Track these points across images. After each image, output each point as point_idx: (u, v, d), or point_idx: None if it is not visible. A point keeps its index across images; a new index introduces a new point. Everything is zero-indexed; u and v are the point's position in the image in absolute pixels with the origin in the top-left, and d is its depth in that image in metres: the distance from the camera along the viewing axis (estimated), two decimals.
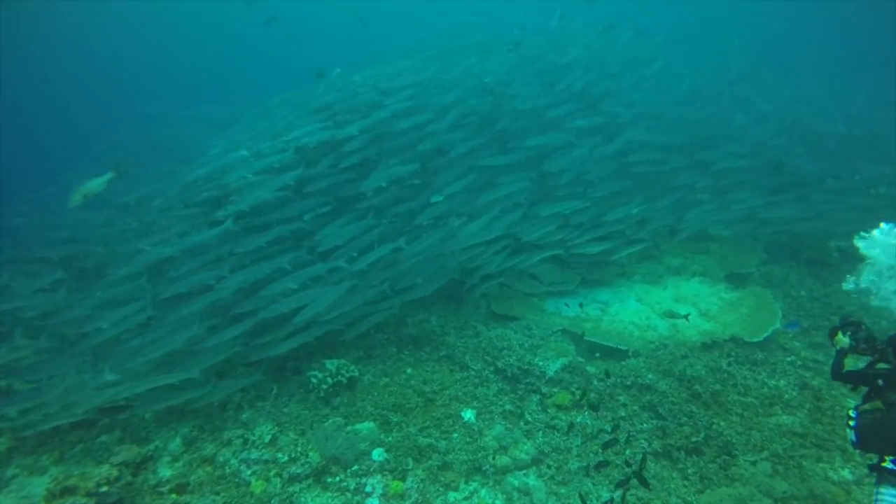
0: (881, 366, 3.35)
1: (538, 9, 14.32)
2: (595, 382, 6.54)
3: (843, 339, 3.61)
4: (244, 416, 6.29)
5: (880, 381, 3.30)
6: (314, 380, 6.57)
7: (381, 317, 7.11)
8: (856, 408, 3.36)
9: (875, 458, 3.22)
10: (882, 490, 3.20)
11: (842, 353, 3.59)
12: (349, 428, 5.94)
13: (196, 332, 6.27)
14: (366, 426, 6.00)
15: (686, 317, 7.21)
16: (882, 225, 3.77)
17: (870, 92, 15.40)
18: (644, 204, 8.68)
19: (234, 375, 6.57)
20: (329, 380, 6.57)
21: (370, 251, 7.12)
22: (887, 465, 3.12)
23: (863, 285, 3.96)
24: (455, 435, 5.99)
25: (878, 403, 3.27)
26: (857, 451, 3.36)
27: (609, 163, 9.09)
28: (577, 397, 6.36)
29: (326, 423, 5.94)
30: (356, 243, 7.20)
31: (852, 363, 3.55)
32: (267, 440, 5.91)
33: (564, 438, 5.94)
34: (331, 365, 6.67)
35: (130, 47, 34.62)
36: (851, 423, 3.32)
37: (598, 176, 8.91)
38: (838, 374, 3.53)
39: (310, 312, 6.48)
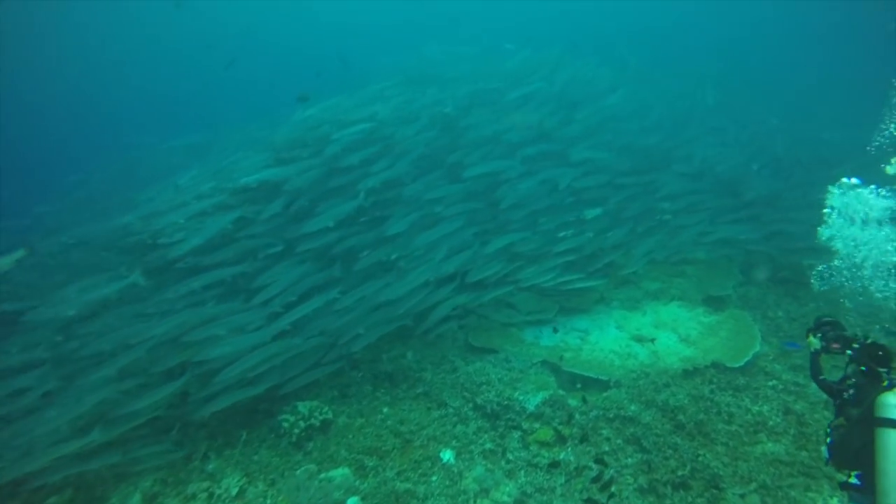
0: (849, 382, 3.31)
1: (527, 39, 14.47)
2: (577, 416, 6.35)
3: (814, 342, 3.65)
4: (210, 466, 5.93)
5: (845, 395, 3.30)
6: (286, 424, 6.27)
7: (320, 373, 6.71)
8: (829, 424, 3.35)
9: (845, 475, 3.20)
10: None
11: (815, 356, 3.63)
12: (322, 475, 5.64)
13: (106, 396, 5.75)
14: (340, 472, 5.70)
15: (652, 340, 7.12)
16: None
17: (840, 111, 15.89)
18: (599, 232, 8.69)
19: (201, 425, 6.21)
20: (301, 423, 6.28)
21: (308, 300, 6.71)
22: (852, 480, 3.07)
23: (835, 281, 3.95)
24: (434, 478, 5.72)
25: (841, 420, 3.23)
26: (830, 467, 3.33)
27: (562, 192, 9.01)
28: (559, 433, 6.16)
29: (298, 472, 5.64)
30: (296, 288, 6.82)
31: (852, 367, 3.47)
32: (234, 493, 5.56)
33: (547, 477, 5.71)
34: (303, 407, 6.39)
35: (123, 75, 34.18)
36: (828, 440, 3.28)
37: (550, 205, 8.83)
38: (816, 377, 3.59)
39: (236, 371, 6.01)
